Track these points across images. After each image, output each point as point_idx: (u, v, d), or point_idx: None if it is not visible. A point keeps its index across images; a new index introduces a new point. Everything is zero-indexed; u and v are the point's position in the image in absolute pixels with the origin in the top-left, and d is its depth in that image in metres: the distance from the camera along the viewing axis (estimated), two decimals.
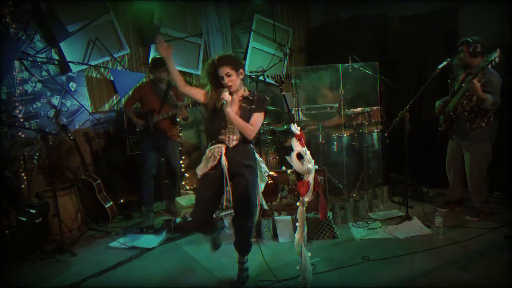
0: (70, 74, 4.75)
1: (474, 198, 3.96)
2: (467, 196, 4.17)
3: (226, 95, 2.75)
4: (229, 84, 2.80)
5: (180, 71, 5.35)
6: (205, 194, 2.89)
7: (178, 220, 4.14)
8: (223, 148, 2.84)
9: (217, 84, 2.85)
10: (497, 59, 3.41)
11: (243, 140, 2.86)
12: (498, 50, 3.41)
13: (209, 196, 2.88)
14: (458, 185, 4.18)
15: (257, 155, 2.99)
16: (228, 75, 2.78)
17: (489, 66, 3.46)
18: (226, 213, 4.38)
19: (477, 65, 3.67)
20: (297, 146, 2.56)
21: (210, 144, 2.94)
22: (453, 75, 4.43)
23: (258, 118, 2.84)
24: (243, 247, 3.06)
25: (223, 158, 2.81)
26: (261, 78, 5.04)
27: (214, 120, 2.89)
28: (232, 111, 2.77)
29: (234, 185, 2.87)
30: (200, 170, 2.92)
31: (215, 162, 2.84)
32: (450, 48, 4.68)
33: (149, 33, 5.19)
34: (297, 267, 2.69)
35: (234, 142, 2.85)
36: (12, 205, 3.74)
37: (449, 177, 4.22)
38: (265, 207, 3.14)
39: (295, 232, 2.67)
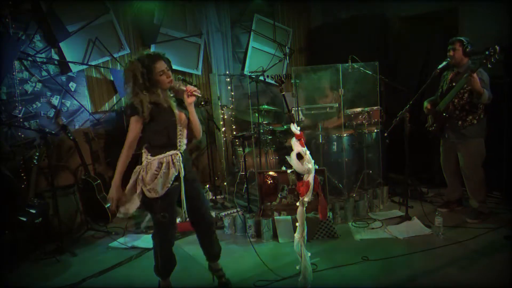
0: (70, 74, 4.75)
1: (472, 197, 3.96)
2: (466, 196, 4.16)
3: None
4: None
5: (180, 71, 5.45)
6: None
7: (178, 220, 4.13)
8: None
9: None
10: (496, 56, 3.42)
11: None
12: (496, 47, 3.41)
13: None
14: (456, 185, 4.18)
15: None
16: None
17: (488, 63, 3.45)
18: (226, 213, 4.39)
19: (465, 64, 3.77)
20: (297, 146, 2.56)
21: None
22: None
23: None
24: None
25: None
26: (261, 78, 5.03)
27: None
28: None
29: None
30: None
31: None
32: None
33: (149, 33, 5.20)
34: (297, 267, 2.68)
35: None
36: (12, 205, 3.73)
37: (446, 177, 4.22)
38: None
39: (295, 232, 2.67)
